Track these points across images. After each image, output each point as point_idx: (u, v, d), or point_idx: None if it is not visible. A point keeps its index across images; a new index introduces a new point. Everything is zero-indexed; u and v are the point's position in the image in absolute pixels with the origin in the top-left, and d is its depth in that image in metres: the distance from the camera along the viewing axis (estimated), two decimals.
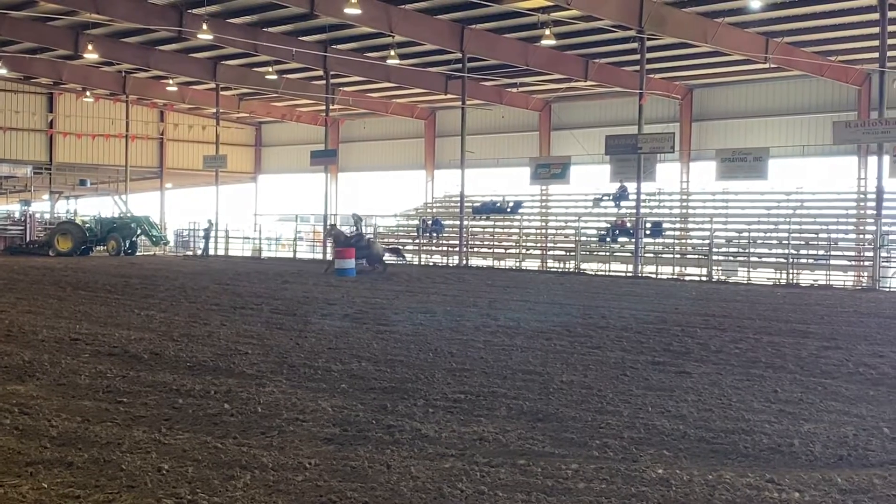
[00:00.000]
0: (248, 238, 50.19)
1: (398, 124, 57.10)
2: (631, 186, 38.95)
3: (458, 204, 41.77)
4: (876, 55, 31.75)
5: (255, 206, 62.62)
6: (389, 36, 35.96)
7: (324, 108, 48.44)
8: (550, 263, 40.16)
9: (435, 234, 44.76)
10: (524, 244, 42.64)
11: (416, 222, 46.90)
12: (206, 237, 48.17)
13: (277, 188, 64.44)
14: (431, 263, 41.70)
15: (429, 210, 50.62)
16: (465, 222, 41.80)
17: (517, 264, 40.06)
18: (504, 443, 7.50)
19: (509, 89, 46.90)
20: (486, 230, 45.79)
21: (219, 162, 51.35)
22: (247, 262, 40.65)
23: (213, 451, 7.04)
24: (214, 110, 52.39)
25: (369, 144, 59.52)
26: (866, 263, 33.19)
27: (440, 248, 44.37)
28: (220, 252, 48.72)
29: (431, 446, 7.33)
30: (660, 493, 6.10)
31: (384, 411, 8.62)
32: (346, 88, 49.67)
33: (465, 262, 40.35)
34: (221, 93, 51.04)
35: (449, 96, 46.08)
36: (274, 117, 60.74)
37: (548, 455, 7.11)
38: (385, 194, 56.12)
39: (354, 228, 34.35)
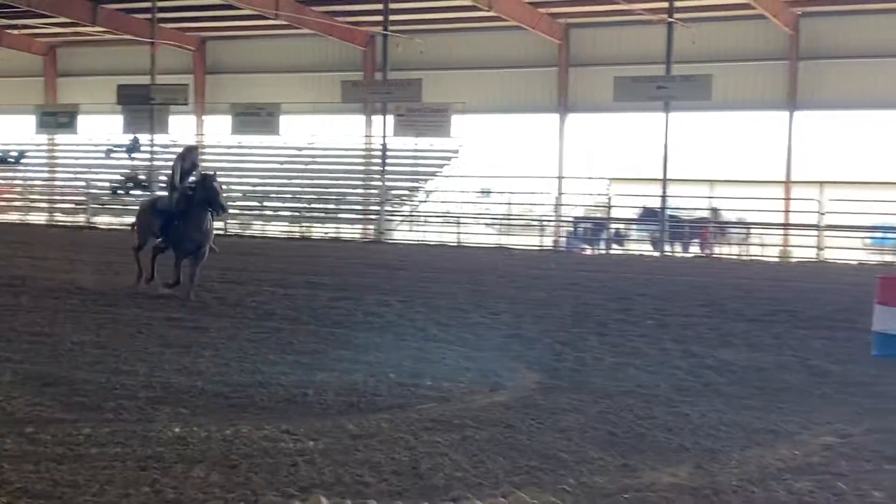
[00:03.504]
0: None
1: None
2: (144, 138, 37.92)
3: None
4: (381, 18, 33.48)
5: None
6: None
7: None
8: (59, 217, 38.05)
9: None
10: (29, 197, 39.99)
11: None
12: None
13: None
14: None
15: None
16: None
17: (22, 218, 37.49)
18: (9, 410, 6.98)
19: (10, 31, 43.44)
20: None
21: None
22: None
23: None
24: None
25: None
26: (373, 217, 35.13)
27: None
28: None
29: None
30: (177, 452, 5.99)
31: None
32: None
33: None
34: None
35: None
36: None
37: (58, 421, 6.71)
38: None
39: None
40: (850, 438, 6.60)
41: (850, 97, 33.89)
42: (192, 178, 14.54)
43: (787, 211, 33.54)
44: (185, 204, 14.21)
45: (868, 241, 31.51)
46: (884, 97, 33.37)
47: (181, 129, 42.00)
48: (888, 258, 29.18)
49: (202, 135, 44.62)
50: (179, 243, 14.21)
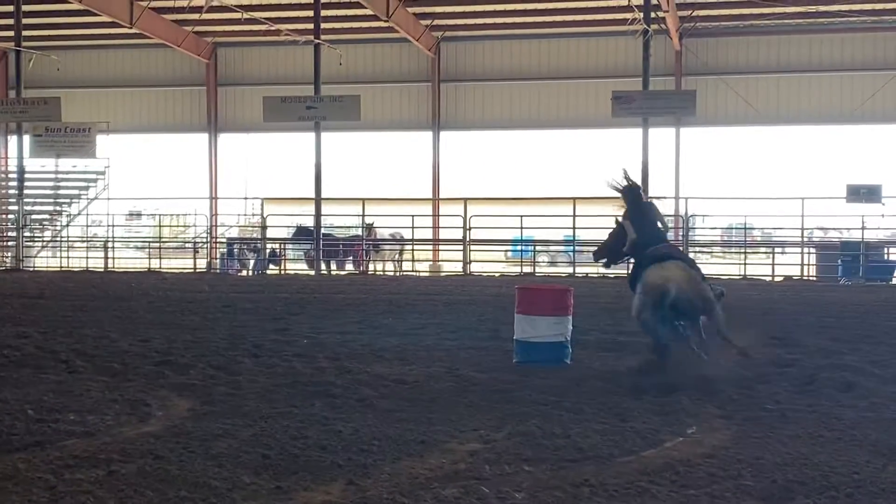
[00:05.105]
0: None
1: None
2: None
3: None
4: (12, 33, 31.50)
5: None
6: None
7: None
8: None
9: None
10: None
11: None
12: None
13: None
14: None
15: None
16: None
17: None
18: None
19: None
20: None
21: None
22: None
23: None
24: None
25: None
26: (10, 244, 32.96)
27: None
28: None
29: None
30: None
31: None
32: None
33: None
34: None
35: None
36: None
37: None
38: None
39: None
40: (494, 443, 6.90)
41: (488, 118, 36.00)
42: None
43: (435, 227, 34.98)
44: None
45: (508, 253, 33.53)
46: (518, 118, 35.73)
47: None
48: (526, 269, 31.13)
49: None
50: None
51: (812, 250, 30.46)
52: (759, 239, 35.30)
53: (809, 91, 34.56)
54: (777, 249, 31.37)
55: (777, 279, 28.63)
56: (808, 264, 29.86)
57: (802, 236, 30.68)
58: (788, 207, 29.95)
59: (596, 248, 11.72)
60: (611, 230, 11.19)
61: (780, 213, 30.65)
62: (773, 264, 29.72)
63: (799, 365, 10.42)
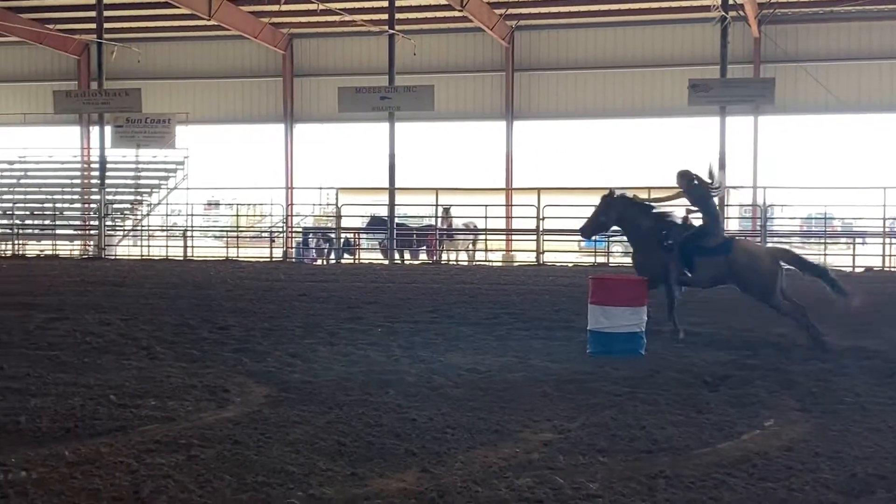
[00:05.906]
0: None
1: None
2: None
3: None
4: (94, 26, 32.16)
5: None
6: None
7: None
8: None
9: None
10: None
11: None
12: None
13: None
14: None
15: None
16: None
17: None
18: None
19: None
20: None
21: None
22: None
23: None
24: None
25: None
26: (92, 232, 33.67)
27: None
28: None
29: None
30: None
31: None
32: None
33: None
34: None
35: None
36: None
37: None
38: None
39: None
40: (568, 434, 6.89)
41: (562, 107, 35.79)
42: None
43: (508, 217, 34.91)
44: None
45: (582, 243, 33.28)
46: (592, 107, 35.46)
47: None
48: (600, 259, 30.91)
49: None
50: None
51: (895, 241, 29.76)
52: (839, 229, 34.58)
53: (892, 78, 33.75)
54: (858, 240, 30.71)
55: (858, 270, 28.05)
56: (891, 255, 29.19)
57: (884, 226, 29.99)
58: (870, 197, 29.30)
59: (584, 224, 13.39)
60: (599, 208, 12.85)
61: (862, 202, 30.00)
62: (853, 255, 29.08)
63: (880, 357, 10.22)
